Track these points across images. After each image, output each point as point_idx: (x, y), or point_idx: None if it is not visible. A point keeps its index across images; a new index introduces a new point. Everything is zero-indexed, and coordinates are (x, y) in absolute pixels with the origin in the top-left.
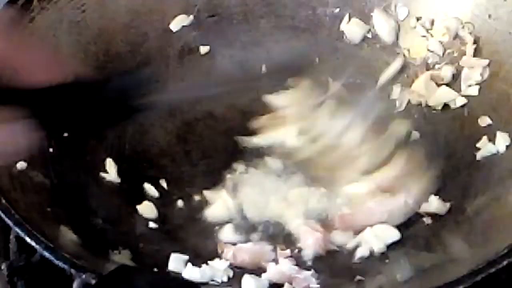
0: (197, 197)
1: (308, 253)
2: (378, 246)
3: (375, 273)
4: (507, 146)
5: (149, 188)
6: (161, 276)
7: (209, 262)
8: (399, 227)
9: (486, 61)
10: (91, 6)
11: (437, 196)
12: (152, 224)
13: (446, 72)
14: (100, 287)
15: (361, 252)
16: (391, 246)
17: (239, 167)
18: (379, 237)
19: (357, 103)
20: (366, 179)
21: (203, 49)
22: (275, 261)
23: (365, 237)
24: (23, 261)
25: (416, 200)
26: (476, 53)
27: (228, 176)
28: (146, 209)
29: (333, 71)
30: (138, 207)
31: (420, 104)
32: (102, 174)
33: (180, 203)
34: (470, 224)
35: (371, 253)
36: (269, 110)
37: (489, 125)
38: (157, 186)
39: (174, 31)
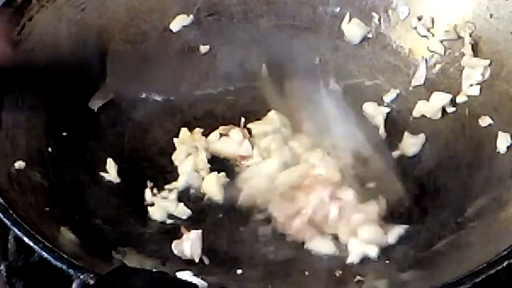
0: None
1: None
2: (372, 251)
3: (375, 274)
4: (508, 147)
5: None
6: (160, 276)
7: None
8: (400, 225)
9: (487, 61)
10: (90, 4)
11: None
12: (151, 224)
13: None
14: (98, 287)
15: (351, 259)
16: (391, 247)
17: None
18: (371, 241)
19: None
20: None
21: (203, 48)
22: None
23: (353, 245)
24: (22, 261)
25: None
26: (477, 53)
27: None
28: (156, 211)
29: (334, 70)
30: (150, 209)
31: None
32: (102, 174)
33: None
34: (470, 225)
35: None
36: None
37: (490, 125)
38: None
39: (174, 31)
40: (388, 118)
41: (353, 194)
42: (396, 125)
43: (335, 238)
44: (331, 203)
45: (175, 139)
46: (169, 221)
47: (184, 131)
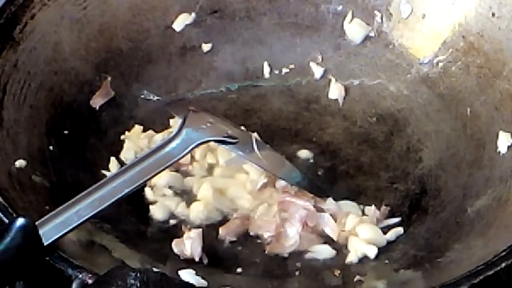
0: None
1: None
2: (371, 251)
3: (374, 274)
4: (509, 147)
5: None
6: (158, 276)
7: None
8: (399, 226)
9: None
10: (92, 2)
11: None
12: (152, 223)
13: None
14: (98, 287)
15: (350, 259)
16: (390, 247)
17: None
18: (370, 241)
19: None
20: None
21: (205, 47)
22: None
23: (352, 245)
24: None
25: None
26: (479, 51)
27: None
28: (158, 210)
29: (336, 69)
30: (151, 207)
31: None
32: (103, 172)
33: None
34: (470, 225)
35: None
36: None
37: (491, 124)
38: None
39: (177, 30)
40: (389, 116)
41: (333, 202)
42: (398, 124)
43: (334, 242)
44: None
45: (122, 136)
46: (170, 220)
47: (137, 128)
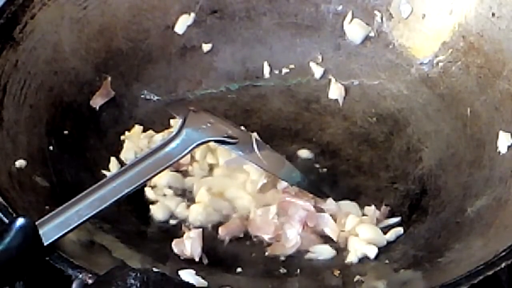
0: None
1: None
2: (371, 251)
3: (374, 274)
4: (509, 147)
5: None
6: (158, 276)
7: None
8: (399, 226)
9: None
10: (92, 2)
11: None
12: (152, 223)
13: None
14: (97, 287)
15: (350, 259)
16: (390, 247)
17: None
18: (370, 241)
19: None
20: None
21: (205, 47)
22: None
23: (352, 245)
24: None
25: None
26: (479, 51)
27: None
28: (158, 210)
29: (336, 69)
30: (152, 207)
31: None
32: (103, 172)
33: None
34: (470, 225)
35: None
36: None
37: (491, 124)
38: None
39: (180, 33)
40: (389, 116)
41: (333, 202)
42: (398, 124)
43: (334, 242)
44: (319, 212)
45: (122, 136)
46: (170, 220)
47: (137, 128)
